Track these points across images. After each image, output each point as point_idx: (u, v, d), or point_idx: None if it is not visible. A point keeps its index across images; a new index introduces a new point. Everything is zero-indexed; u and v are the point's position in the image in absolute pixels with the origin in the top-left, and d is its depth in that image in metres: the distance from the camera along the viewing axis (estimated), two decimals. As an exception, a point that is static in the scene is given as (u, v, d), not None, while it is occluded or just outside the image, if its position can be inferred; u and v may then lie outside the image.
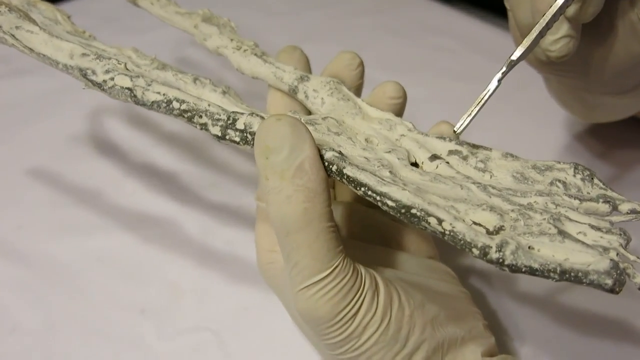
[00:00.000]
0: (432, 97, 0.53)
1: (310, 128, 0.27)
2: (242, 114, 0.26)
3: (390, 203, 0.24)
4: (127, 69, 0.28)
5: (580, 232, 0.24)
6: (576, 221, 0.24)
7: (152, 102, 0.27)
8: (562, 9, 0.27)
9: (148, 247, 0.39)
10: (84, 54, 0.28)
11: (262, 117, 0.26)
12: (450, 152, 0.28)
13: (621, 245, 0.23)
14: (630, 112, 0.39)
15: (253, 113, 0.26)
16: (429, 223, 0.23)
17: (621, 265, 0.22)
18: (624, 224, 0.25)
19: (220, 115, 0.26)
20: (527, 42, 0.28)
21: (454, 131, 0.29)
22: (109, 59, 0.28)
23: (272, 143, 0.24)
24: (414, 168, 0.26)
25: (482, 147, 0.28)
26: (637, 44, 0.30)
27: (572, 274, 0.22)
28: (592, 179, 0.27)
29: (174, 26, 0.37)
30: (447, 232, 0.23)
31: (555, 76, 0.35)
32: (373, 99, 0.32)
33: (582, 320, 0.35)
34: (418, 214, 0.23)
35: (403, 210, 0.24)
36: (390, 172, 0.25)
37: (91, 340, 0.34)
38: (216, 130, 0.26)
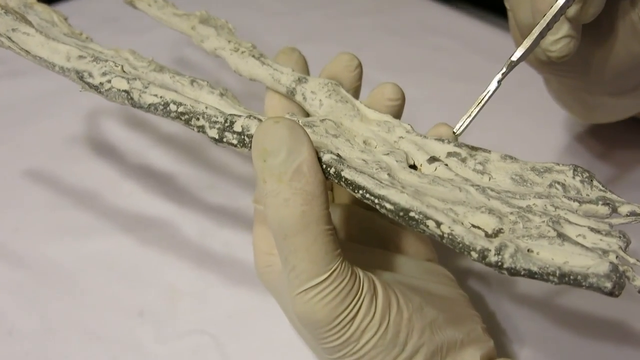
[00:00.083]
0: (431, 97, 0.53)
1: (308, 130, 0.27)
2: (240, 116, 0.26)
3: (388, 206, 0.24)
4: (124, 71, 0.28)
5: (579, 235, 0.24)
6: (575, 224, 0.24)
7: (149, 104, 0.27)
8: (562, 10, 0.27)
9: (146, 249, 0.39)
10: (80, 57, 0.28)
11: (260, 120, 0.26)
12: (449, 154, 0.28)
13: (621, 247, 0.23)
14: (631, 112, 0.38)
15: (251, 115, 0.26)
16: (428, 226, 0.23)
17: (621, 268, 0.22)
18: (623, 226, 0.25)
19: (217, 118, 0.26)
20: (527, 42, 0.28)
21: (454, 132, 0.29)
22: (106, 61, 0.28)
23: (269, 146, 0.24)
24: (412, 170, 0.26)
25: (481, 149, 0.28)
26: (637, 44, 0.30)
27: (571, 277, 0.22)
28: (592, 181, 0.27)
29: (171, 28, 0.36)
30: (445, 235, 0.23)
31: (556, 76, 0.35)
32: (371, 100, 0.32)
33: (582, 322, 0.35)
34: (416, 217, 0.23)
35: (401, 213, 0.24)
36: (388, 174, 0.25)
37: (89, 343, 0.34)
38: (213, 133, 0.26)
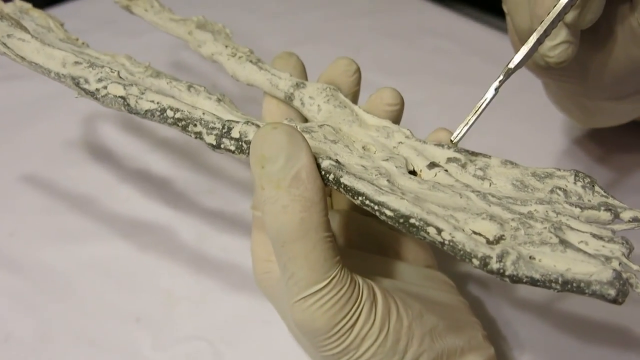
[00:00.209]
0: (430, 99, 0.53)
1: (307, 136, 0.27)
2: (237, 122, 0.26)
3: (388, 212, 0.24)
4: (120, 77, 0.28)
5: (582, 242, 0.24)
6: (577, 230, 0.24)
7: (146, 110, 0.27)
8: (560, 16, 0.27)
9: (143, 254, 0.39)
10: (76, 62, 0.28)
11: (258, 126, 0.26)
12: (449, 160, 0.28)
13: (624, 254, 0.23)
14: (630, 117, 0.38)
15: (248, 121, 0.26)
16: (428, 233, 0.23)
17: (624, 275, 0.22)
18: (626, 232, 0.25)
19: (215, 124, 0.26)
20: (524, 49, 0.27)
21: (451, 140, 0.29)
22: (102, 67, 0.27)
23: (268, 152, 0.23)
24: (412, 176, 0.26)
25: (481, 155, 0.28)
26: (636, 49, 0.30)
27: (574, 285, 0.21)
28: (593, 186, 0.26)
29: (168, 33, 0.36)
30: (446, 242, 0.23)
31: (554, 81, 0.34)
32: (370, 105, 0.31)
33: (583, 328, 0.35)
34: (417, 223, 0.23)
35: (401, 220, 0.23)
36: (388, 180, 0.25)
37: (85, 350, 0.34)
38: (211, 139, 0.26)
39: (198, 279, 0.38)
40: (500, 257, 0.22)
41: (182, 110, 0.26)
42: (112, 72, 0.28)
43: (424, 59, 0.59)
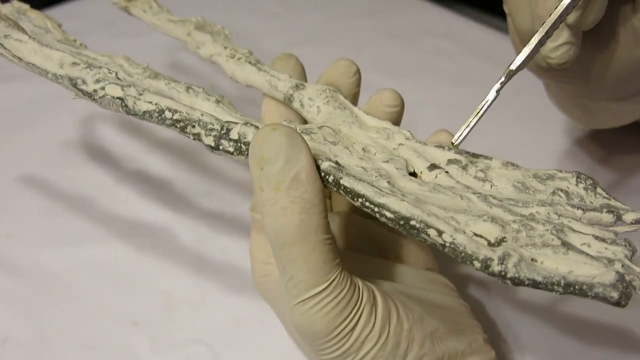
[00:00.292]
0: (430, 100, 0.53)
1: (306, 137, 0.27)
2: (236, 123, 0.26)
3: (388, 214, 0.23)
4: (118, 78, 0.27)
5: (584, 244, 0.23)
6: (580, 232, 0.24)
7: (144, 112, 0.26)
8: (562, 17, 0.27)
9: (141, 256, 0.39)
10: (74, 63, 0.27)
11: (257, 127, 0.26)
12: (450, 162, 0.27)
13: (626, 256, 0.23)
14: (632, 118, 0.38)
15: (247, 122, 0.26)
16: (429, 235, 0.23)
17: (627, 278, 0.21)
18: (628, 234, 0.25)
19: (213, 125, 0.26)
20: (526, 51, 0.27)
21: (452, 143, 0.28)
22: (100, 68, 0.27)
23: (267, 153, 0.23)
24: (412, 178, 0.26)
25: (482, 156, 0.28)
26: (639, 50, 0.30)
27: (576, 287, 0.21)
28: (595, 188, 0.26)
29: (166, 34, 0.36)
30: (447, 244, 0.23)
31: (556, 82, 0.34)
32: (370, 107, 0.31)
33: (585, 330, 0.35)
34: (417, 225, 0.23)
35: (402, 222, 0.23)
36: (388, 182, 0.25)
37: (83, 353, 0.34)
38: (209, 141, 0.26)
39: (197, 281, 0.37)
40: (502, 260, 0.22)
41: (180, 112, 0.26)
42: (110, 73, 0.27)
43: (424, 60, 0.59)
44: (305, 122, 0.32)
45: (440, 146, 0.28)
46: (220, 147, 0.26)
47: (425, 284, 0.30)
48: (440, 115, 0.51)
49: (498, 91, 0.28)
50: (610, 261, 0.22)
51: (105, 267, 0.38)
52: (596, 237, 0.24)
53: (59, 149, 0.47)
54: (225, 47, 0.33)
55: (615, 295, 0.21)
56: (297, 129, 0.27)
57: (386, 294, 0.26)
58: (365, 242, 0.32)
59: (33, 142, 0.47)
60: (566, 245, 0.23)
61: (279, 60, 0.34)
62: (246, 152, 0.25)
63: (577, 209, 0.25)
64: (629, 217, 0.25)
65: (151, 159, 0.46)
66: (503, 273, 0.22)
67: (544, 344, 0.34)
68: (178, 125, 0.26)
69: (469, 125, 0.28)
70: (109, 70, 0.27)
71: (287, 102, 0.31)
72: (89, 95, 0.27)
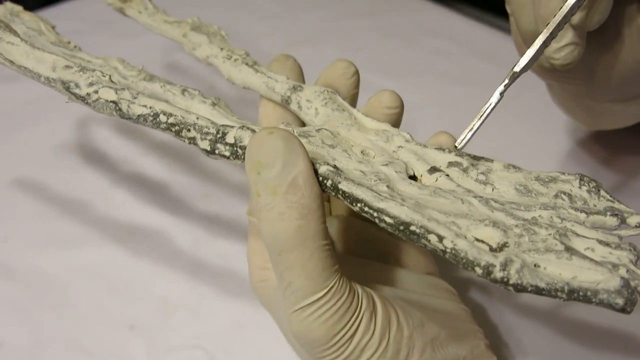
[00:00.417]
0: (430, 101, 0.52)
1: (304, 141, 0.26)
2: (232, 127, 0.25)
3: (388, 220, 0.23)
4: (112, 81, 0.27)
5: (588, 248, 0.23)
6: (583, 236, 0.23)
7: (138, 115, 0.26)
8: (567, 18, 0.26)
9: (138, 260, 0.38)
10: (66, 66, 0.27)
11: (253, 131, 0.25)
12: (450, 164, 0.27)
13: (631, 261, 0.23)
14: (636, 119, 0.38)
15: (244, 126, 0.25)
16: (429, 240, 0.22)
17: (632, 283, 0.21)
18: (632, 238, 0.24)
19: (209, 129, 0.25)
20: (530, 52, 0.27)
21: (455, 146, 0.28)
22: (93, 70, 0.27)
23: (263, 158, 0.23)
24: (412, 182, 0.25)
25: (483, 159, 0.27)
26: None
27: (580, 293, 0.21)
28: (599, 190, 0.26)
29: (162, 35, 0.36)
30: (448, 250, 0.22)
31: (559, 83, 0.34)
32: (369, 109, 0.31)
33: (588, 335, 0.35)
34: (417, 231, 0.22)
35: (402, 227, 0.23)
36: (387, 186, 0.24)
37: (79, 358, 0.33)
38: (205, 145, 0.25)
39: (194, 285, 0.37)
40: (504, 266, 0.21)
41: (175, 115, 0.26)
42: (103, 76, 0.27)
43: (424, 60, 0.59)
44: (303, 124, 0.31)
45: (440, 148, 0.28)
46: (216, 152, 0.25)
47: (426, 288, 0.30)
48: (441, 116, 0.50)
49: (502, 94, 0.28)
50: (615, 266, 0.22)
51: (102, 271, 0.38)
52: (600, 242, 0.23)
53: (54, 151, 0.46)
54: (222, 49, 0.33)
55: (620, 301, 0.20)
56: (295, 132, 0.27)
57: (386, 300, 0.25)
58: (364, 246, 0.32)
59: (28, 145, 0.47)
60: (570, 250, 0.22)
61: (276, 62, 0.33)
62: (242, 156, 0.25)
63: (581, 212, 0.25)
64: (633, 220, 0.25)
65: (147, 161, 0.45)
66: (505, 279, 0.21)
67: (546, 349, 0.34)
68: (173, 129, 0.26)
69: (472, 128, 0.28)
70: (103, 73, 0.27)
71: (284, 104, 0.31)
72: (82, 99, 0.27)
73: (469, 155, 0.27)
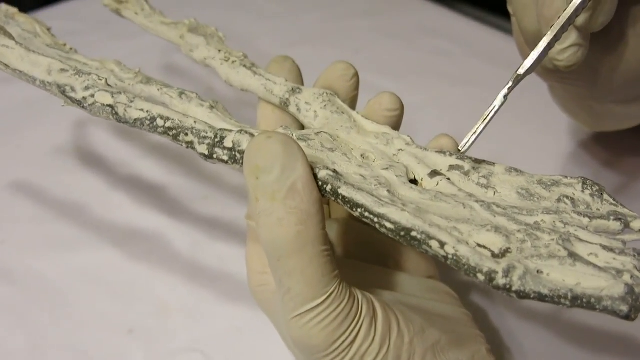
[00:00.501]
0: (430, 102, 0.52)
1: (303, 144, 0.26)
2: (230, 131, 0.25)
3: (388, 225, 0.23)
4: (108, 84, 0.27)
5: (591, 254, 0.23)
6: (587, 241, 0.23)
7: (135, 119, 0.26)
8: (571, 19, 0.26)
9: (136, 263, 0.38)
10: (62, 70, 0.27)
11: (252, 135, 0.25)
12: (452, 168, 0.27)
13: (635, 267, 0.22)
14: (639, 121, 0.37)
15: (242, 130, 0.25)
16: (431, 246, 0.22)
17: (637, 290, 0.21)
18: (637, 243, 0.24)
19: (207, 133, 0.25)
20: (534, 54, 0.27)
21: (459, 150, 0.28)
22: (89, 74, 0.27)
23: (262, 162, 0.23)
24: (413, 186, 0.25)
25: (484, 162, 0.27)
26: None
27: (584, 300, 0.21)
28: (602, 194, 0.26)
29: (159, 37, 0.36)
30: (450, 256, 0.22)
31: (561, 84, 0.34)
32: (369, 111, 0.31)
33: (590, 339, 0.34)
34: (419, 236, 0.22)
35: (403, 233, 0.22)
36: (388, 191, 0.24)
37: (76, 362, 0.33)
38: (203, 149, 0.25)
39: (192, 288, 0.37)
40: (507, 272, 0.21)
41: (172, 119, 0.26)
42: (99, 79, 0.27)
43: (424, 61, 0.59)
44: (302, 127, 0.31)
45: (441, 152, 0.27)
46: (214, 156, 0.25)
47: (426, 292, 0.30)
48: (441, 117, 0.50)
49: (505, 97, 0.27)
50: (619, 272, 0.22)
51: (100, 274, 0.37)
52: (604, 247, 0.23)
53: (52, 153, 0.46)
54: (219, 50, 0.32)
55: (624, 308, 0.20)
56: (294, 135, 0.27)
57: (386, 305, 0.25)
58: (364, 249, 0.31)
59: (26, 147, 0.46)
60: (573, 256, 0.22)
61: (274, 63, 0.33)
62: (241, 161, 0.25)
63: (584, 216, 0.24)
64: (637, 224, 0.25)
65: (146, 163, 0.45)
66: (508, 286, 0.21)
67: (548, 353, 0.34)
68: (170, 133, 0.25)
69: (475, 132, 0.27)
70: (99, 76, 0.27)
71: (283, 106, 0.31)
72: (78, 103, 0.26)
73: (470, 158, 0.27)
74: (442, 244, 0.22)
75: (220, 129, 0.25)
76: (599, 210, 0.25)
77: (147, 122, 0.26)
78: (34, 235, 0.40)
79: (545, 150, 0.47)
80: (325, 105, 0.30)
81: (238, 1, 0.67)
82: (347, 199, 0.23)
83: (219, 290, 0.37)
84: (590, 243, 0.23)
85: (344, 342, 0.24)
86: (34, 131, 0.48)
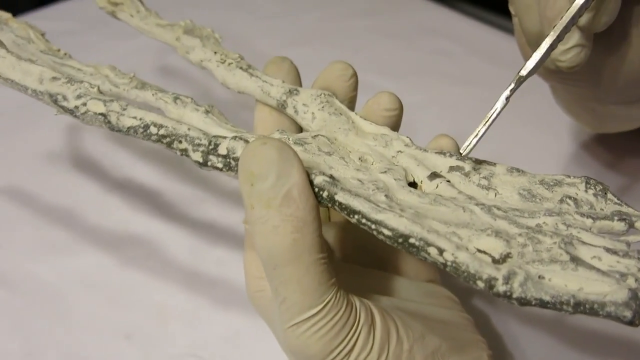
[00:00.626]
0: (431, 102, 0.52)
1: (300, 148, 0.26)
2: (225, 138, 0.25)
3: (386, 232, 0.22)
4: (100, 92, 0.27)
5: (594, 257, 0.22)
6: (589, 244, 0.23)
7: (128, 127, 0.26)
8: (574, 19, 0.25)
9: (134, 268, 0.38)
10: (54, 78, 0.27)
11: (247, 141, 0.25)
12: (452, 169, 0.26)
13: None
14: (642, 122, 0.37)
15: (236, 136, 0.25)
16: (429, 253, 0.22)
17: None
18: None
19: (201, 140, 0.25)
20: (536, 55, 0.26)
21: (460, 153, 0.27)
22: (81, 82, 0.26)
23: (257, 169, 0.22)
24: (412, 189, 0.25)
25: (485, 162, 0.27)
26: None
27: (587, 306, 0.20)
28: (606, 194, 0.25)
29: (155, 39, 0.35)
30: (448, 264, 0.21)
31: (563, 85, 0.33)
32: (367, 111, 0.30)
33: (593, 344, 0.34)
34: (417, 243, 0.22)
35: (400, 240, 0.22)
36: (386, 195, 0.24)
37: (73, 368, 0.33)
38: (197, 157, 0.25)
39: (191, 293, 0.37)
40: (507, 279, 0.21)
41: (166, 126, 0.25)
42: (91, 87, 0.27)
43: (424, 60, 0.58)
44: (300, 128, 0.31)
45: (441, 152, 0.27)
46: (209, 163, 0.25)
47: (426, 297, 0.29)
48: (441, 117, 0.50)
49: (508, 98, 0.27)
50: (623, 275, 0.21)
51: (97, 279, 0.37)
52: (607, 250, 0.22)
53: (46, 157, 0.46)
54: (215, 52, 0.32)
55: (628, 314, 0.20)
56: (290, 139, 0.26)
57: (385, 312, 0.25)
58: (363, 253, 0.31)
59: (18, 151, 0.46)
60: (575, 260, 0.22)
61: (272, 64, 0.33)
62: (236, 168, 0.24)
63: (587, 217, 0.24)
64: None
65: (143, 167, 0.45)
66: (508, 293, 0.21)
67: (551, 358, 0.33)
68: (164, 141, 0.25)
69: (477, 134, 0.27)
70: (91, 84, 0.27)
71: (280, 108, 0.30)
72: (71, 112, 0.26)
73: (471, 159, 0.27)
74: (441, 251, 0.21)
75: (215, 136, 0.25)
76: (602, 210, 0.25)
77: (141, 130, 0.25)
78: (31, 240, 0.39)
79: (547, 151, 0.47)
80: (323, 107, 0.29)
81: (237, 1, 0.67)
82: (343, 206, 0.23)
83: (217, 295, 0.36)
84: (593, 246, 0.23)
85: (341, 351, 0.23)
86: (30, 135, 0.48)
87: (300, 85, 0.33)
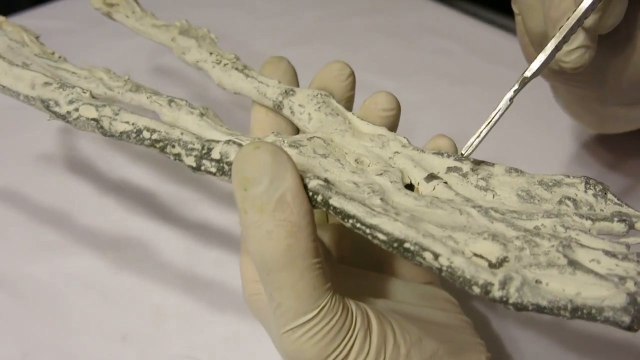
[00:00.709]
0: (430, 101, 0.52)
1: (295, 151, 0.25)
2: (218, 142, 0.25)
3: (381, 236, 0.22)
4: (93, 97, 0.26)
5: (593, 260, 0.22)
6: (588, 247, 0.22)
7: (121, 132, 0.26)
8: (580, 20, 0.25)
9: (129, 269, 0.38)
10: (46, 83, 0.27)
11: (240, 145, 0.25)
12: (449, 169, 0.26)
13: (639, 273, 0.21)
14: (644, 123, 0.37)
15: (230, 141, 0.25)
16: (424, 258, 0.22)
17: (639, 300, 0.20)
18: None
19: (194, 145, 0.25)
20: (542, 57, 0.26)
21: (461, 154, 0.27)
22: (73, 87, 0.26)
23: (250, 173, 0.22)
24: (408, 192, 0.25)
25: (484, 163, 0.26)
26: None
27: (584, 311, 0.20)
28: (605, 194, 0.25)
29: (150, 39, 0.35)
30: (444, 269, 0.21)
31: (565, 85, 0.33)
32: (364, 111, 0.30)
33: (592, 346, 0.34)
34: (412, 248, 0.22)
35: (395, 244, 0.22)
36: (381, 199, 0.24)
37: (69, 370, 0.33)
38: (190, 161, 0.25)
39: (187, 295, 0.36)
40: (503, 284, 0.20)
41: (159, 131, 0.25)
42: (84, 92, 0.26)
43: (424, 60, 0.58)
44: (296, 129, 0.31)
45: (439, 153, 0.27)
46: (202, 168, 0.25)
47: (424, 299, 0.29)
48: (441, 117, 0.50)
49: (511, 99, 0.27)
50: (622, 279, 0.21)
51: (93, 280, 0.37)
52: (606, 252, 0.22)
53: (44, 159, 0.45)
54: (211, 53, 0.32)
55: (626, 319, 0.20)
56: (285, 142, 0.26)
57: (381, 316, 0.25)
58: (359, 255, 0.31)
59: (12, 151, 0.46)
60: (573, 263, 0.21)
61: (268, 64, 0.32)
62: (229, 173, 0.24)
63: (586, 219, 0.24)
64: None
65: (138, 168, 0.45)
66: (505, 299, 0.20)
67: None
68: (157, 146, 0.25)
69: (479, 135, 0.27)
70: (83, 89, 0.27)
71: (276, 109, 0.30)
72: (63, 118, 0.26)
73: (469, 159, 0.26)
74: (436, 256, 0.21)
75: (208, 140, 0.25)
76: (602, 211, 0.25)
77: (134, 135, 0.25)
78: (26, 241, 0.39)
79: (548, 152, 0.46)
80: (319, 107, 0.29)
81: (236, 1, 0.67)
82: (338, 210, 0.23)
83: (214, 296, 0.36)
84: (591, 248, 0.22)
85: (337, 356, 0.23)
86: (25, 136, 0.47)
87: (298, 86, 0.32)
